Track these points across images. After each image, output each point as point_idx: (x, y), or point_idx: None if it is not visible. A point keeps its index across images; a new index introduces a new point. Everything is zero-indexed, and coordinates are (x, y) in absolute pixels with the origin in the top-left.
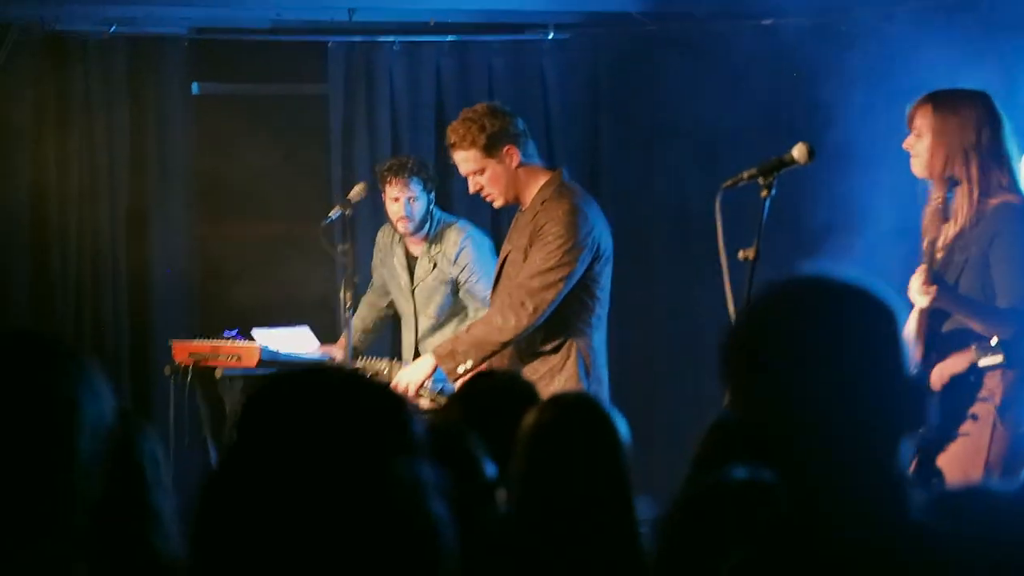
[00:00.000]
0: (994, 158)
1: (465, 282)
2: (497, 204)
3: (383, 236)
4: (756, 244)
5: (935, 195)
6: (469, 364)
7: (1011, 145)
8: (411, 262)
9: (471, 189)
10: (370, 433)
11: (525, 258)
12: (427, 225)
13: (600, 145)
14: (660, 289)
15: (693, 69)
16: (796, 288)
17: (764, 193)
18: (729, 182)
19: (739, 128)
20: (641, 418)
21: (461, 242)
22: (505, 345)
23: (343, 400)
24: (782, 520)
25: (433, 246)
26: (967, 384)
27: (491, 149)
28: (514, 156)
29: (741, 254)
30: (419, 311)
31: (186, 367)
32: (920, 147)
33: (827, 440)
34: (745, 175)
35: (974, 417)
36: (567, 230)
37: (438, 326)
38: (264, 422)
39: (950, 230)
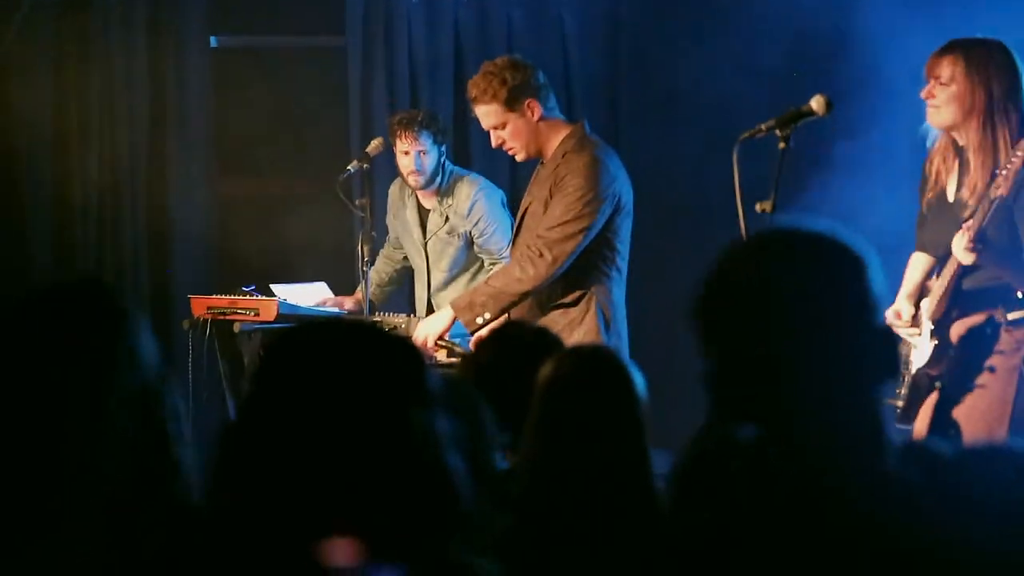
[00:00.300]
0: (1020, 108)
1: (479, 235)
2: (520, 158)
3: (395, 189)
4: (773, 196)
5: (944, 144)
6: (488, 316)
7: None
8: (423, 215)
9: (493, 143)
10: (386, 384)
11: (545, 210)
12: (438, 179)
13: (620, 98)
14: (679, 244)
15: (715, 24)
16: (765, 239)
17: (781, 145)
18: (747, 134)
19: (761, 82)
20: (660, 372)
21: (474, 195)
22: (524, 296)
23: (359, 352)
24: (761, 472)
25: (445, 199)
26: (984, 336)
27: (512, 103)
28: (536, 109)
29: (759, 206)
30: (432, 265)
31: (204, 321)
32: (945, 95)
33: (797, 389)
34: (763, 127)
35: (991, 369)
36: (587, 181)
37: (451, 279)
38: (280, 374)
39: (971, 186)
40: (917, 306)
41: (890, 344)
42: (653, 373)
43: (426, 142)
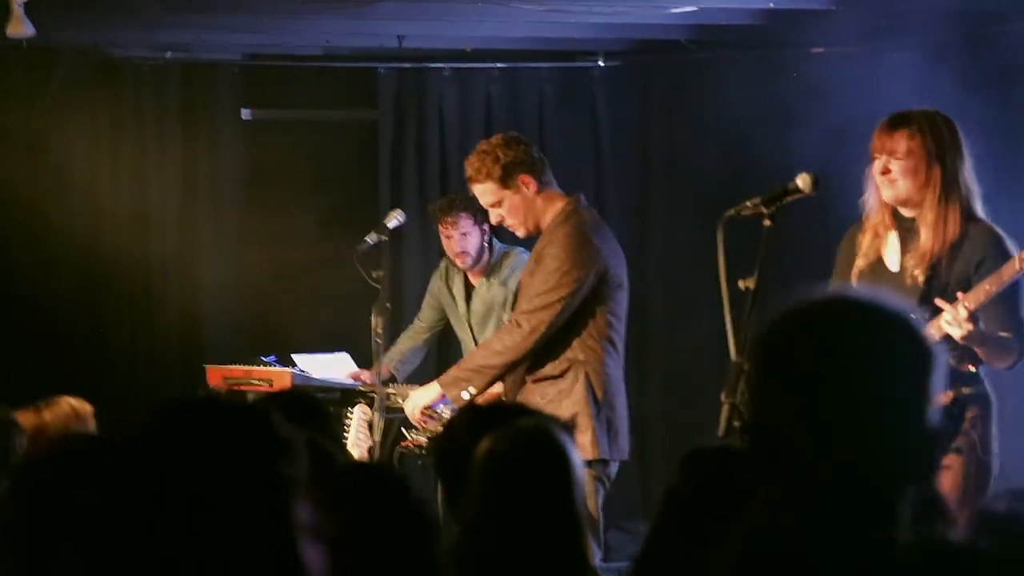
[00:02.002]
0: (964, 178)
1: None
2: (520, 233)
3: (442, 268)
4: (757, 273)
5: (883, 219)
6: (473, 390)
7: (968, 161)
8: (469, 291)
9: (493, 221)
10: (233, 470)
11: None
12: (486, 256)
13: (650, 173)
14: (700, 320)
15: (743, 97)
16: (846, 305)
17: (767, 223)
18: (732, 211)
19: (790, 155)
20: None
21: (514, 264)
22: (508, 367)
23: (207, 435)
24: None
25: (492, 275)
26: (952, 416)
27: (507, 180)
28: (531, 184)
29: (742, 283)
30: (476, 338)
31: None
32: (900, 169)
33: (834, 462)
34: (749, 204)
35: (958, 449)
36: (565, 252)
37: None
38: (136, 455)
39: (922, 254)
40: None
41: (933, 446)
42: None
43: (466, 224)
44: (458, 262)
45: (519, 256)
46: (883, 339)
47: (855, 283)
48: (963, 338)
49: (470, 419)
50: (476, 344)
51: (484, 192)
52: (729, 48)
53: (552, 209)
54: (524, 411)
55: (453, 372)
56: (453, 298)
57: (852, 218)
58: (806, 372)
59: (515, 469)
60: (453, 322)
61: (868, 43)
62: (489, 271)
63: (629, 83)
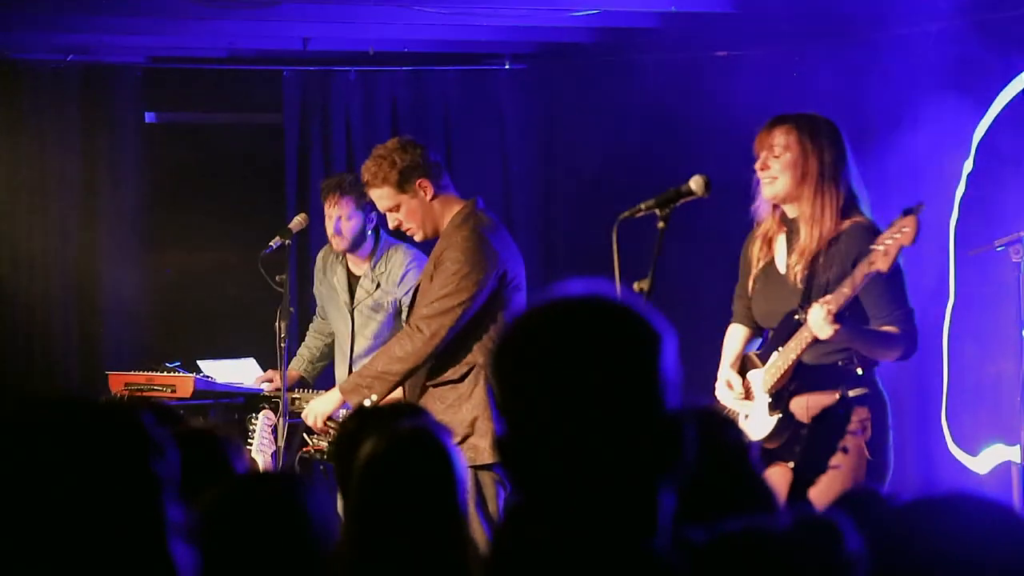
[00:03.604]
0: (845, 179)
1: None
2: (418, 238)
3: (322, 255)
4: (651, 275)
5: (772, 223)
6: (375, 397)
7: (853, 166)
8: (352, 282)
9: (391, 225)
10: (102, 467)
11: None
12: (365, 244)
13: (555, 176)
14: None
15: (648, 100)
16: (561, 306)
17: (660, 225)
18: (626, 213)
19: (693, 156)
20: None
21: (407, 264)
22: (408, 373)
23: (71, 434)
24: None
25: (378, 266)
26: (837, 417)
27: (404, 184)
28: (428, 189)
29: (636, 285)
30: (357, 331)
31: (122, 398)
32: (779, 165)
33: (576, 467)
34: (643, 206)
35: (844, 450)
36: (464, 255)
37: (373, 348)
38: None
39: (800, 252)
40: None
41: (678, 432)
42: None
43: (348, 207)
44: (333, 243)
45: (405, 253)
46: (598, 333)
47: (753, 289)
48: (831, 339)
49: (359, 423)
50: (354, 335)
51: (381, 197)
52: (635, 52)
53: (449, 212)
54: (415, 412)
55: (354, 379)
56: (334, 288)
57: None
58: (528, 378)
59: (393, 470)
60: (330, 312)
61: (768, 47)
62: (375, 261)
63: (535, 86)
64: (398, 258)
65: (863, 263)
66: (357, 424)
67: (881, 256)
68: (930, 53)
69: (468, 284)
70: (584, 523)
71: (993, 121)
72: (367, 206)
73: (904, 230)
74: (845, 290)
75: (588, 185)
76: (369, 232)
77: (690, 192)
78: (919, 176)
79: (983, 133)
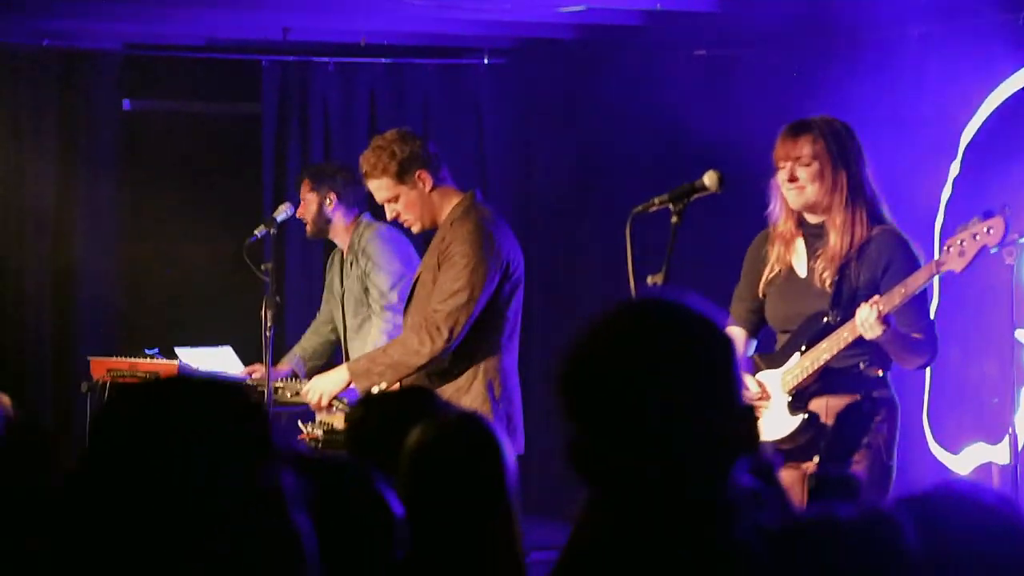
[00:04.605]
0: (870, 183)
1: (366, 274)
2: (415, 229)
3: (334, 253)
4: (665, 270)
5: (790, 227)
6: (384, 385)
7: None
8: (343, 269)
9: (388, 216)
10: (226, 441)
11: (435, 280)
12: (335, 228)
13: (534, 170)
14: (588, 311)
15: (626, 96)
16: (638, 311)
17: (674, 220)
18: (639, 208)
19: (671, 154)
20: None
21: (369, 237)
22: (421, 368)
23: (196, 409)
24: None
25: (353, 244)
26: (862, 416)
27: (403, 175)
28: (426, 180)
29: (650, 279)
30: (346, 311)
31: (103, 384)
32: (807, 175)
33: (661, 462)
34: (656, 201)
35: (868, 446)
36: (471, 248)
37: (360, 324)
38: (117, 433)
39: (831, 257)
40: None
41: (751, 422)
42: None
43: (304, 190)
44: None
45: (374, 230)
46: (682, 337)
47: (766, 292)
48: (877, 339)
49: (383, 409)
50: (345, 328)
51: (380, 188)
52: (614, 48)
53: (448, 204)
54: (427, 395)
55: (365, 363)
56: (335, 279)
57: (747, 221)
58: (605, 383)
59: (446, 459)
60: (331, 304)
61: (752, 47)
62: (352, 242)
63: (514, 81)
64: (365, 234)
65: (925, 268)
66: (379, 411)
67: (955, 257)
68: (917, 56)
69: (479, 277)
70: (671, 515)
71: (981, 125)
72: (321, 187)
73: (990, 230)
74: (903, 290)
75: (565, 182)
76: (332, 215)
77: (704, 187)
78: (906, 179)
79: (970, 136)
